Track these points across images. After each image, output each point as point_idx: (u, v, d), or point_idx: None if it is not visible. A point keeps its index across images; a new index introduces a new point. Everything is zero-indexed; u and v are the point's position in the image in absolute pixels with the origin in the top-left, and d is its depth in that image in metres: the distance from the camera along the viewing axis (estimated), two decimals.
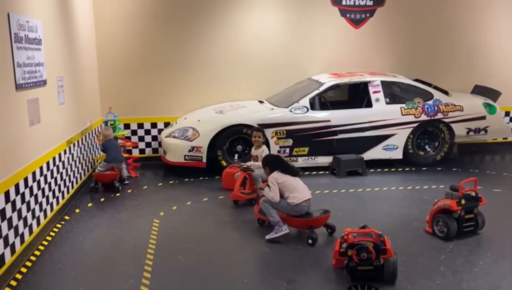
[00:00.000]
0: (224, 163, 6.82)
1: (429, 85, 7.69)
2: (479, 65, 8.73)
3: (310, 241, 4.50)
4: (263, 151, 5.88)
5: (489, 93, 7.87)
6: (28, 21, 4.42)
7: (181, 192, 6.30)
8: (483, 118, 7.51)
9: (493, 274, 3.89)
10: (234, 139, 6.95)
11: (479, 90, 8.07)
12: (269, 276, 3.93)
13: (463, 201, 4.51)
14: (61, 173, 5.39)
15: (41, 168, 4.69)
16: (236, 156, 7.03)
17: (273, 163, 4.80)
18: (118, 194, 6.17)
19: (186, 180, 6.87)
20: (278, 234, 4.55)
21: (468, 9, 8.55)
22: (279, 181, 4.62)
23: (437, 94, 7.51)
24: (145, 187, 6.57)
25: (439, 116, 7.33)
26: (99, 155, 7.21)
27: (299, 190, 4.61)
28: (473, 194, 4.60)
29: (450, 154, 7.67)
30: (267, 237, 4.59)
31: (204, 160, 6.82)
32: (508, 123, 8.71)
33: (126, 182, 6.52)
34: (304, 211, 4.60)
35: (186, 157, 6.83)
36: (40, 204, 4.68)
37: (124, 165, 6.62)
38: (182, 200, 5.94)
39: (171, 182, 6.80)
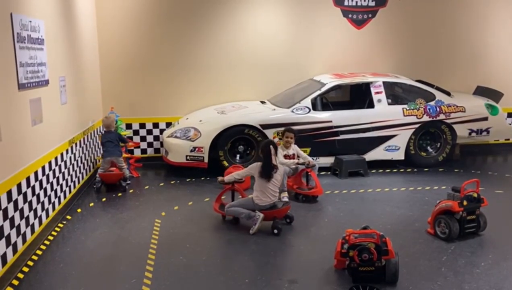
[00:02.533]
0: (226, 164, 6.83)
1: (431, 86, 7.68)
2: (481, 66, 8.72)
3: (275, 231, 4.76)
4: (296, 149, 6.02)
5: (492, 94, 7.86)
6: (30, 21, 4.43)
7: (182, 193, 6.31)
8: (485, 119, 7.50)
9: (495, 276, 3.88)
10: (236, 140, 6.95)
11: (481, 91, 8.06)
12: (270, 277, 3.93)
13: (465, 202, 4.50)
14: (63, 172, 5.40)
15: (43, 167, 4.70)
16: (237, 157, 7.04)
17: (264, 155, 4.89)
18: (120, 194, 6.17)
19: (187, 180, 6.88)
20: (257, 223, 4.75)
21: (471, 10, 8.54)
22: (254, 174, 4.88)
23: (439, 95, 7.50)
24: (146, 187, 6.57)
25: (441, 117, 7.32)
26: (101, 155, 7.22)
27: (266, 194, 4.85)
28: (475, 195, 4.59)
29: (452, 155, 7.65)
30: (251, 232, 4.76)
31: (206, 160, 6.83)
32: (510, 124, 8.68)
33: (128, 182, 6.53)
34: (267, 207, 4.86)
35: (188, 157, 6.84)
36: (42, 204, 4.69)
37: (125, 164, 6.62)
38: (183, 200, 5.94)
39: (172, 182, 6.81)
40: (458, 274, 3.90)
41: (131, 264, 4.15)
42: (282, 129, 6.85)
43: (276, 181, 4.91)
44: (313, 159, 7.11)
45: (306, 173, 5.91)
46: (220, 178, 5.22)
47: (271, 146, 4.88)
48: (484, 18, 8.60)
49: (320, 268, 4.05)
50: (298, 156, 6.00)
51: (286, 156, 5.90)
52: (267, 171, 4.84)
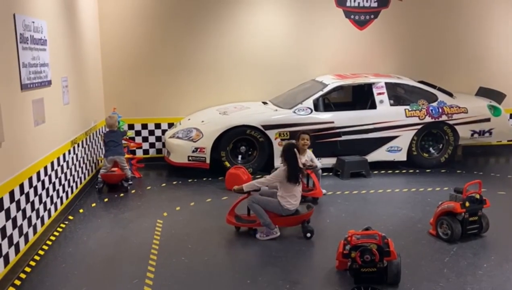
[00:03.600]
0: (228, 164, 6.83)
1: (434, 87, 7.67)
2: (484, 67, 8.70)
3: (308, 234, 4.66)
4: (311, 156, 5.89)
5: (494, 95, 7.84)
6: (33, 22, 4.44)
7: (184, 193, 6.31)
8: (488, 120, 7.48)
9: (497, 277, 3.87)
10: (238, 140, 6.95)
11: (483, 92, 8.04)
12: (272, 278, 3.93)
13: (467, 204, 4.49)
14: (65, 173, 5.41)
15: (45, 168, 4.71)
16: (239, 157, 7.04)
17: (290, 159, 4.63)
18: (122, 195, 6.18)
19: (189, 180, 6.88)
20: (270, 237, 4.62)
21: (473, 11, 8.52)
22: (281, 181, 4.63)
23: (441, 96, 7.48)
24: (148, 187, 6.58)
25: (444, 118, 7.30)
26: (103, 155, 7.23)
27: (297, 197, 4.69)
28: (478, 196, 4.58)
29: (454, 156, 7.64)
30: (258, 236, 4.66)
31: (208, 161, 6.83)
32: None
33: (130, 182, 6.54)
34: (293, 212, 4.71)
35: (190, 158, 6.84)
36: (44, 204, 4.70)
37: (127, 165, 6.63)
38: (185, 200, 5.94)
39: (174, 182, 6.81)
40: (461, 276, 3.89)
41: (133, 264, 4.15)
42: (285, 130, 6.90)
43: (303, 184, 4.80)
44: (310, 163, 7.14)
45: (307, 175, 5.85)
46: (236, 187, 4.79)
47: (295, 149, 4.68)
48: (487, 19, 8.58)
49: (322, 269, 4.04)
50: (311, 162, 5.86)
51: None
52: (296, 174, 4.59)
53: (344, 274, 3.89)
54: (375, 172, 7.18)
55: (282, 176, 4.60)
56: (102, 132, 7.37)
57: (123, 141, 7.06)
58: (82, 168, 6.15)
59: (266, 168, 6.97)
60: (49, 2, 5.03)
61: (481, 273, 3.95)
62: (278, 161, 6.94)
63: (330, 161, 7.14)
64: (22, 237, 4.10)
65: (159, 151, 8.04)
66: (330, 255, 4.17)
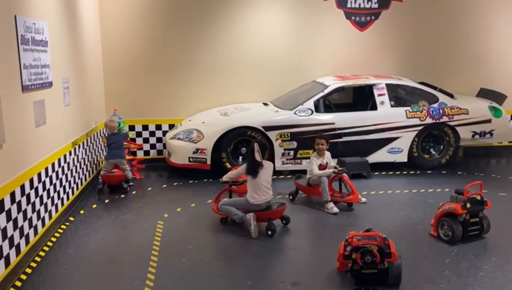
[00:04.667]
0: (228, 165, 6.82)
1: (435, 88, 7.67)
2: (485, 68, 8.69)
3: (269, 232, 4.76)
4: (330, 157, 5.88)
5: (495, 96, 7.84)
6: (34, 23, 4.45)
7: (185, 194, 6.31)
8: (489, 121, 7.48)
9: (499, 279, 3.86)
10: (239, 141, 6.96)
11: (484, 93, 8.04)
12: (272, 279, 3.93)
13: (468, 205, 4.49)
14: (66, 174, 5.41)
15: (46, 169, 4.71)
16: (240, 158, 7.04)
17: (249, 153, 4.99)
18: (122, 196, 6.18)
19: (190, 182, 6.88)
20: (251, 224, 4.74)
21: (474, 12, 8.52)
22: (244, 173, 4.98)
23: (442, 97, 7.48)
24: (149, 188, 6.58)
25: (444, 119, 7.30)
26: (104, 157, 7.23)
27: (260, 192, 4.86)
28: (478, 197, 4.57)
29: (455, 157, 7.63)
30: (253, 235, 4.72)
31: (209, 162, 6.83)
32: None
33: (131, 183, 6.54)
34: (262, 207, 4.87)
35: (191, 159, 6.84)
36: (45, 205, 4.70)
37: (128, 166, 6.63)
38: (186, 202, 5.94)
39: (175, 184, 6.81)
40: (462, 277, 3.89)
41: (134, 265, 4.15)
42: (285, 131, 6.90)
43: (266, 178, 4.91)
44: (261, 157, 7.10)
45: (339, 180, 5.79)
46: (222, 178, 5.29)
47: (255, 144, 4.95)
48: (487, 21, 8.58)
49: (322, 271, 4.04)
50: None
51: (320, 166, 5.72)
52: (252, 167, 4.88)
53: (345, 276, 3.89)
54: (376, 173, 7.18)
55: (244, 168, 4.98)
56: (103, 133, 7.37)
57: (124, 143, 7.06)
58: (83, 169, 6.15)
59: None
60: (50, 3, 5.04)
61: (482, 274, 3.94)
62: (278, 162, 6.95)
63: None
64: (23, 238, 4.11)
65: (160, 152, 8.05)
66: (331, 257, 4.16)
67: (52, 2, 5.13)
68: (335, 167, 5.74)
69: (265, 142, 5.18)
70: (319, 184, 5.59)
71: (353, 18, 8.26)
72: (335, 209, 5.43)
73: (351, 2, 8.19)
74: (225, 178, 5.20)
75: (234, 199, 5.14)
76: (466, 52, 8.62)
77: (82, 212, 5.58)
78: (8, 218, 3.79)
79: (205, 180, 6.93)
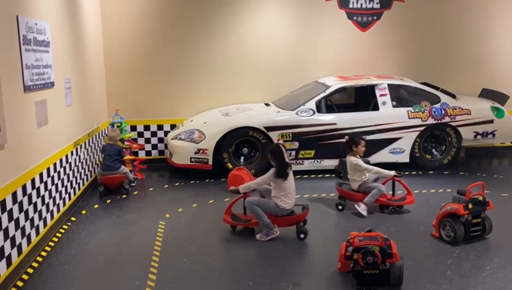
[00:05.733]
0: (230, 166, 6.83)
1: (436, 88, 7.66)
2: (487, 69, 8.68)
3: (302, 235, 4.67)
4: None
5: (497, 97, 7.82)
6: (36, 24, 4.46)
7: (187, 194, 6.31)
8: (491, 121, 7.46)
9: (501, 279, 3.85)
10: (240, 142, 6.96)
11: (487, 94, 8.01)
12: (274, 279, 3.92)
13: (470, 206, 4.48)
14: (68, 174, 5.42)
15: (48, 169, 4.72)
16: (242, 159, 7.04)
17: (277, 156, 4.69)
18: (124, 196, 6.19)
19: (192, 182, 6.88)
20: (270, 237, 4.61)
21: (477, 12, 8.50)
22: (273, 179, 4.67)
23: (444, 98, 7.47)
24: (151, 189, 6.59)
25: (446, 119, 7.28)
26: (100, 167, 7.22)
27: (291, 196, 4.70)
28: (481, 198, 4.56)
29: (457, 158, 7.61)
30: (258, 237, 4.65)
31: (210, 162, 6.83)
32: None
33: (133, 184, 6.54)
34: (289, 212, 4.73)
35: (192, 159, 6.85)
36: (47, 205, 4.71)
37: (129, 166, 6.60)
38: (187, 202, 5.94)
39: (177, 184, 6.82)
40: (464, 278, 3.88)
41: (135, 265, 4.16)
42: (287, 131, 6.89)
43: (293, 180, 4.75)
44: (317, 161, 7.13)
45: (393, 182, 5.55)
46: (233, 187, 4.86)
47: (281, 145, 4.76)
48: (489, 21, 8.56)
49: (324, 271, 4.03)
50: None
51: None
52: (283, 170, 4.63)
53: (346, 276, 3.88)
54: None
55: (273, 174, 4.66)
56: (105, 133, 7.39)
57: (126, 143, 7.07)
58: (84, 169, 6.16)
59: (269, 169, 6.95)
60: (52, 4, 5.05)
61: (484, 275, 3.93)
62: None
63: (332, 163, 7.12)
64: (25, 238, 4.11)
65: (161, 152, 8.05)
66: (332, 257, 4.16)
67: (54, 2, 5.14)
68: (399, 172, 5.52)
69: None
70: (368, 191, 5.39)
71: (355, 18, 8.26)
72: (364, 213, 5.32)
73: (353, 2, 8.18)
74: (243, 189, 4.77)
75: (260, 199, 4.77)
76: (468, 52, 8.60)
77: (83, 212, 5.59)
78: (10, 218, 3.80)
79: (206, 180, 6.93)
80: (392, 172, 5.49)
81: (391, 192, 5.59)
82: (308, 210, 4.85)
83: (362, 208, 5.36)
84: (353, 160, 5.54)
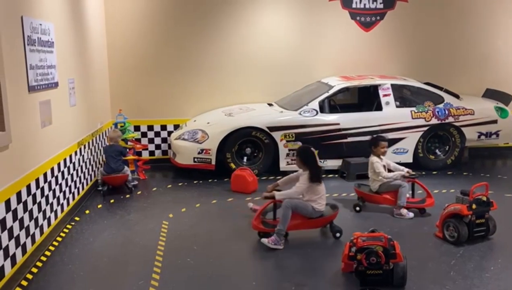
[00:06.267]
0: (233, 166, 6.83)
1: (440, 88, 7.64)
2: (491, 69, 8.65)
3: (337, 234, 4.69)
4: (386, 159, 5.64)
5: (501, 97, 7.79)
6: (40, 24, 4.47)
7: (190, 194, 6.32)
8: (495, 122, 7.44)
9: (505, 280, 3.84)
10: (243, 142, 6.96)
11: (490, 94, 7.99)
12: (278, 279, 3.93)
13: (474, 206, 4.47)
14: (72, 174, 5.43)
15: (52, 169, 4.74)
16: (245, 159, 7.04)
17: (311, 159, 4.61)
18: (127, 196, 6.20)
19: (195, 182, 6.89)
20: (275, 246, 4.46)
21: (480, 12, 8.48)
22: (308, 184, 4.58)
23: (448, 98, 7.45)
24: (154, 189, 6.60)
25: (450, 119, 7.27)
26: (103, 168, 7.23)
27: (324, 197, 4.68)
28: (484, 198, 4.55)
29: (461, 158, 7.59)
30: (265, 241, 4.48)
31: (213, 162, 6.84)
32: None
33: (133, 183, 6.52)
34: (321, 213, 4.69)
35: (195, 159, 6.85)
36: (51, 205, 4.73)
37: (132, 166, 6.55)
38: (191, 202, 5.95)
39: (180, 184, 6.83)
40: (467, 278, 3.87)
41: (139, 265, 4.17)
42: (290, 131, 6.90)
43: (323, 183, 4.71)
44: (321, 162, 7.10)
45: (412, 184, 5.47)
46: (267, 194, 4.65)
47: (311, 149, 4.70)
48: (493, 21, 8.54)
49: (327, 271, 4.03)
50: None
51: (384, 168, 5.45)
52: (318, 174, 4.59)
53: (349, 276, 3.88)
54: None
55: (308, 179, 4.55)
56: (107, 134, 7.40)
57: (129, 143, 7.08)
58: (88, 169, 6.17)
59: (272, 169, 6.98)
60: (56, 4, 5.07)
61: (488, 275, 3.92)
62: (283, 163, 6.95)
63: (335, 163, 7.12)
64: (29, 238, 4.13)
65: (164, 152, 8.07)
66: (335, 257, 4.15)
67: (59, 3, 5.16)
68: (408, 172, 5.42)
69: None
70: (389, 190, 5.35)
71: (358, 18, 8.25)
72: (411, 214, 5.27)
73: (356, 2, 8.18)
74: (280, 196, 4.57)
75: (301, 202, 4.58)
76: (472, 52, 8.58)
77: (87, 212, 5.61)
78: (15, 217, 3.81)
79: (210, 180, 6.94)
80: (401, 172, 5.42)
81: (410, 192, 5.52)
82: (338, 210, 4.81)
83: (404, 212, 5.28)
84: (373, 160, 5.49)
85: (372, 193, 5.53)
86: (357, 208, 5.54)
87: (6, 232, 3.65)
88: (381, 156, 5.55)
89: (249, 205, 5.12)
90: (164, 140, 8.06)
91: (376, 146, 5.54)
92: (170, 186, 6.74)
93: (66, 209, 5.21)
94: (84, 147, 5.98)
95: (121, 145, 6.65)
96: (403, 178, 5.40)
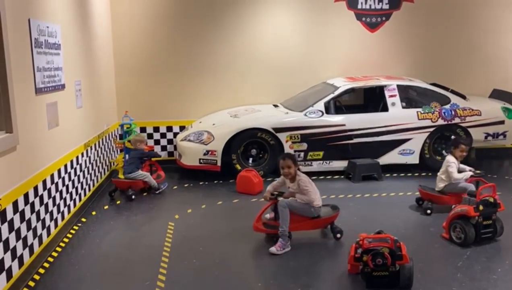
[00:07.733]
0: (239, 167, 6.84)
1: (446, 89, 7.60)
2: (497, 69, 8.59)
3: (338, 235, 4.68)
4: None
5: (508, 97, 7.74)
6: (48, 27, 4.51)
7: (195, 196, 6.34)
8: (502, 122, 7.39)
9: None
10: (249, 143, 6.96)
11: (497, 94, 7.94)
12: (283, 281, 3.92)
13: (481, 207, 4.44)
14: (79, 175, 5.46)
15: (59, 170, 4.77)
16: (250, 160, 7.05)
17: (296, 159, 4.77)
18: (134, 197, 6.22)
19: (201, 183, 6.91)
20: (284, 250, 4.42)
21: (487, 12, 8.43)
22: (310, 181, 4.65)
23: (454, 98, 7.41)
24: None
25: (457, 120, 7.23)
26: (116, 158, 7.29)
27: (317, 191, 4.70)
28: (492, 200, 4.52)
29: (467, 159, 7.54)
30: (275, 250, 4.38)
31: (219, 163, 6.85)
32: None
33: (162, 187, 6.45)
34: (319, 213, 4.68)
35: (201, 161, 6.87)
36: (58, 206, 4.76)
37: (146, 174, 6.41)
38: (196, 203, 5.97)
39: (186, 185, 6.84)
40: (474, 280, 3.85)
41: (145, 266, 4.18)
42: (296, 132, 6.89)
43: None
44: (326, 163, 7.11)
45: (476, 183, 5.25)
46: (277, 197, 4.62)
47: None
48: (500, 21, 8.48)
49: (333, 273, 4.03)
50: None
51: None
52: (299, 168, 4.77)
53: (356, 278, 3.87)
54: (387, 175, 7.13)
55: (306, 177, 4.67)
56: (115, 135, 7.45)
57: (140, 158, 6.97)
58: (95, 170, 6.20)
59: (277, 171, 6.95)
60: (63, 7, 5.11)
61: (495, 277, 3.90)
62: None
63: (341, 164, 7.11)
64: (36, 239, 4.16)
65: (170, 153, 8.09)
66: (341, 259, 4.15)
67: (65, 6, 5.20)
68: (471, 171, 5.36)
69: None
70: (454, 192, 5.27)
71: (363, 19, 8.23)
72: None
73: (361, 3, 8.16)
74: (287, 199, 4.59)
75: (298, 203, 4.56)
76: (478, 53, 8.53)
77: (94, 213, 5.64)
78: (22, 219, 3.84)
79: (215, 181, 6.95)
80: (469, 172, 5.35)
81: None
82: (339, 211, 4.81)
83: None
84: (449, 159, 5.43)
85: (438, 193, 5.46)
86: (428, 211, 5.39)
87: (13, 233, 3.68)
88: (458, 159, 5.47)
89: (265, 217, 4.75)
90: (170, 142, 8.08)
91: (456, 148, 5.50)
92: (176, 187, 6.76)
93: (72, 210, 5.24)
94: (91, 149, 6.01)
95: (141, 149, 6.53)
96: (470, 177, 5.33)
